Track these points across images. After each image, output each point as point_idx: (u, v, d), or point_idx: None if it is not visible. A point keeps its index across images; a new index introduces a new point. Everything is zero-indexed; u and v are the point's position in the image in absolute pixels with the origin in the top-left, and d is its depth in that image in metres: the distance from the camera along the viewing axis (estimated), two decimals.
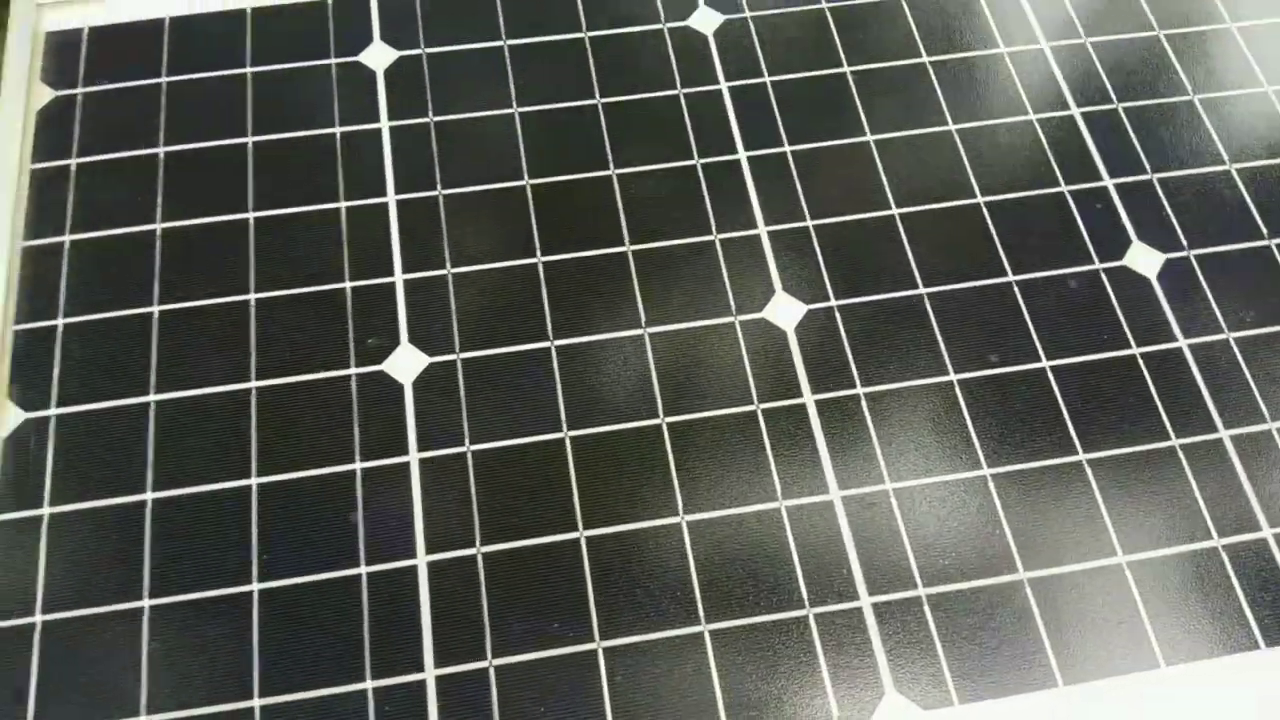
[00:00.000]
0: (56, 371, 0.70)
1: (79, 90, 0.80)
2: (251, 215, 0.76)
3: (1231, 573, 0.68)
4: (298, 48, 0.83)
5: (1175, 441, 0.72)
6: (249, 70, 0.81)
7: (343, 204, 0.77)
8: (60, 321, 0.72)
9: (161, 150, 0.78)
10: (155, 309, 0.72)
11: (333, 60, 0.82)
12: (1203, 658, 0.65)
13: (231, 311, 0.73)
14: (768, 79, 0.84)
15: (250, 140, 0.79)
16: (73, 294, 0.73)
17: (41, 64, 0.80)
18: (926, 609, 0.66)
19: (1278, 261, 0.78)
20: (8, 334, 0.71)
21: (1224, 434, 0.72)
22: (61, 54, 0.81)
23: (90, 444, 0.68)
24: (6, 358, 0.70)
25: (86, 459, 0.68)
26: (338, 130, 0.80)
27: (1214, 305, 0.76)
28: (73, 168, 0.77)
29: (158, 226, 0.75)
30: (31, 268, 0.73)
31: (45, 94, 0.79)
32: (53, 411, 0.69)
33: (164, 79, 0.81)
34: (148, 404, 0.69)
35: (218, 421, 0.69)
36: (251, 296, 0.73)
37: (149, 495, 0.67)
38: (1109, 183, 0.81)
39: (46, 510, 0.66)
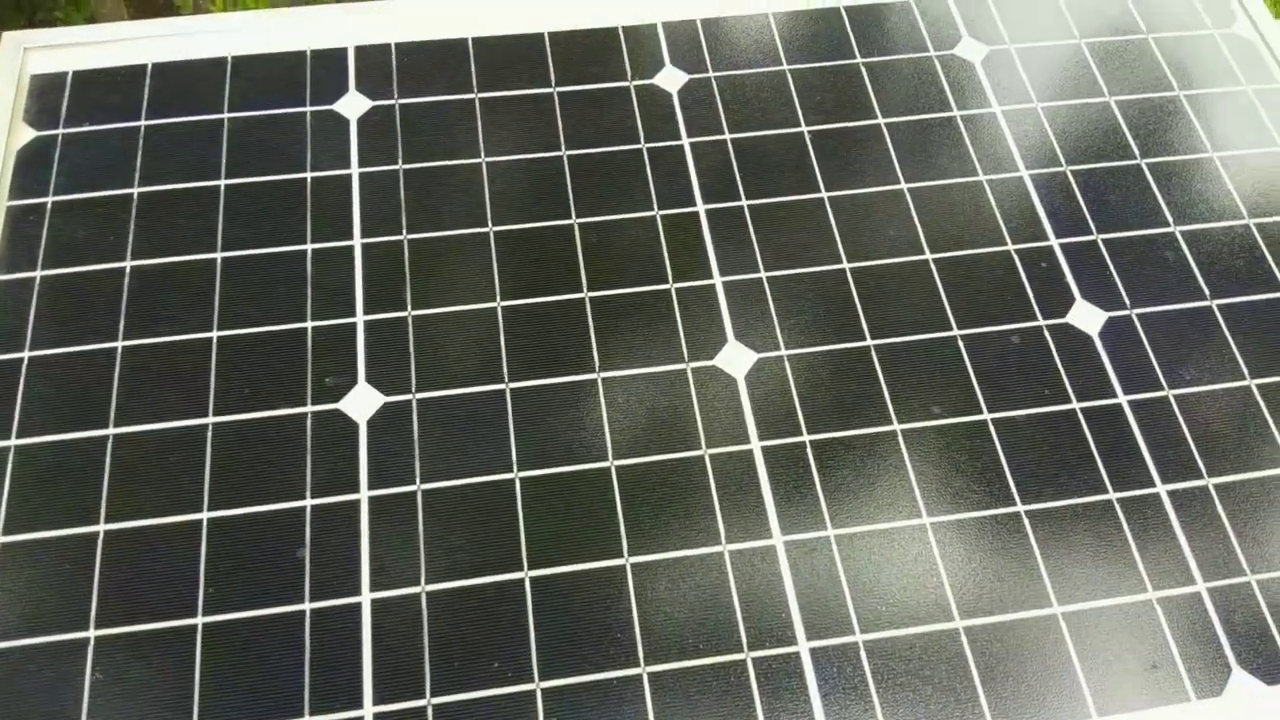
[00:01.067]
0: (19, 404, 0.72)
1: (59, 131, 0.83)
2: (220, 255, 0.78)
3: (1165, 625, 0.69)
4: (275, 95, 0.86)
5: (1113, 495, 0.73)
6: (225, 116, 0.84)
7: (309, 246, 0.79)
8: (25, 354, 0.74)
9: (135, 191, 0.80)
10: (119, 344, 0.74)
11: (308, 108, 0.85)
12: (1135, 709, 0.66)
13: (194, 349, 0.74)
14: (728, 136, 0.87)
15: (223, 183, 0.81)
16: (40, 328, 0.75)
17: (25, 105, 0.83)
18: (863, 655, 0.67)
19: (1218, 321, 0.80)
20: None
21: (1161, 489, 0.74)
22: (45, 96, 0.84)
23: (47, 476, 0.70)
24: None
25: (42, 491, 0.69)
26: (309, 175, 0.82)
27: (1154, 362, 0.78)
28: (48, 205, 0.79)
29: (127, 264, 0.77)
30: (1, 302, 0.75)
31: (26, 134, 0.82)
32: (12, 443, 0.71)
33: (143, 122, 0.83)
34: (106, 437, 0.71)
35: (173, 456, 0.70)
36: (214, 334, 0.75)
37: (101, 527, 0.68)
38: (1055, 242, 0.83)
39: (1, 539, 0.67)
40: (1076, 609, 0.69)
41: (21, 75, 0.84)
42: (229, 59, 0.87)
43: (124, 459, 0.70)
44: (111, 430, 0.71)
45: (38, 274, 0.77)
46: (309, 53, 0.88)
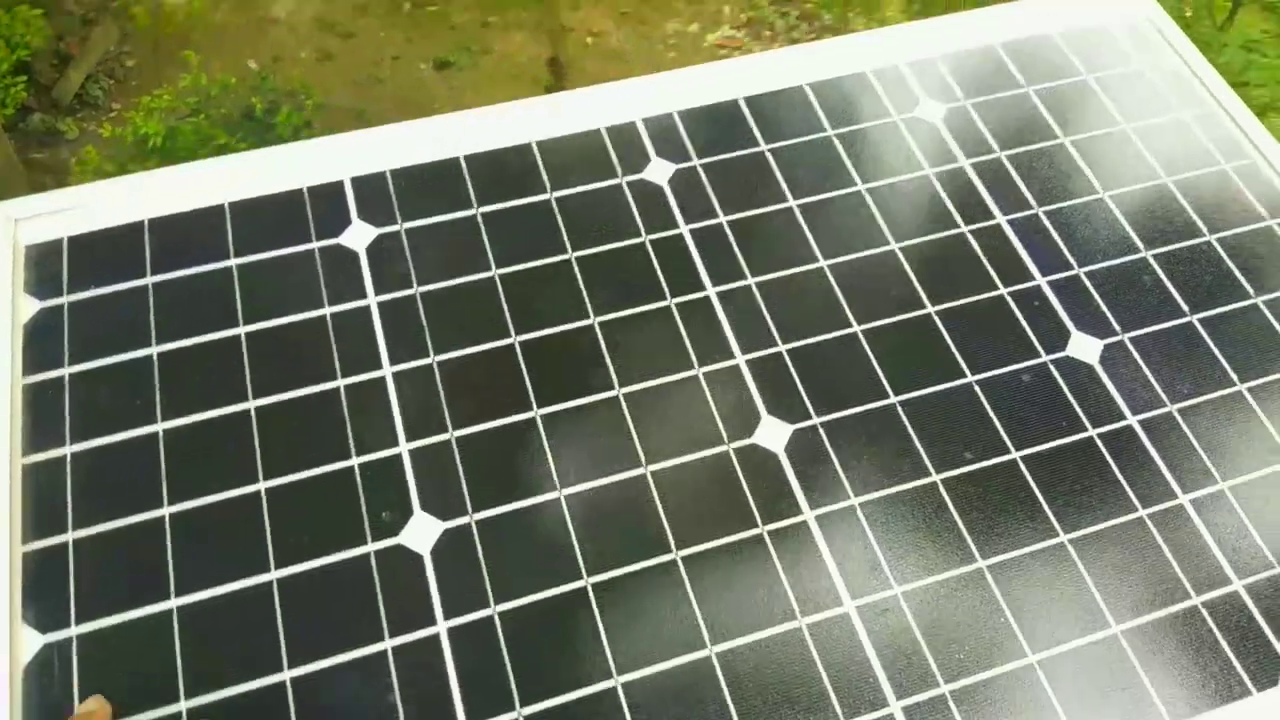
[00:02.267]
0: (72, 590, 0.70)
1: (64, 299, 0.81)
2: (252, 404, 0.78)
3: (1214, 626, 0.74)
4: (279, 235, 0.86)
5: (1142, 512, 0.78)
6: (233, 263, 0.84)
7: (340, 382, 0.80)
8: (70, 536, 0.72)
9: (155, 350, 0.80)
10: (165, 511, 0.73)
11: (314, 244, 0.86)
12: (1204, 710, 0.70)
13: (243, 503, 0.74)
14: (723, 218, 0.90)
15: (243, 330, 0.81)
16: (80, 506, 0.73)
17: (24, 277, 0.82)
18: (952, 705, 0.70)
19: (1200, 334, 0.86)
20: (16, 557, 0.71)
21: (1183, 499, 0.79)
22: (43, 265, 0.83)
23: (114, 661, 0.68)
24: (18, 582, 0.70)
25: (111, 677, 0.68)
26: (327, 311, 0.83)
27: (1153, 381, 0.84)
28: (66, 377, 0.78)
29: (159, 427, 0.76)
30: (34, 485, 0.74)
31: (31, 306, 0.81)
32: (73, 632, 0.69)
33: (149, 279, 0.83)
34: (170, 610, 0.70)
35: (244, 619, 0.70)
36: (261, 486, 0.75)
37: (182, 705, 0.67)
38: (1041, 281, 0.88)
39: None
40: (1133, 625, 0.73)
41: (16, 247, 0.83)
42: (225, 205, 0.87)
43: (194, 630, 0.69)
44: (174, 602, 0.70)
45: (68, 450, 0.75)
46: (305, 190, 0.89)
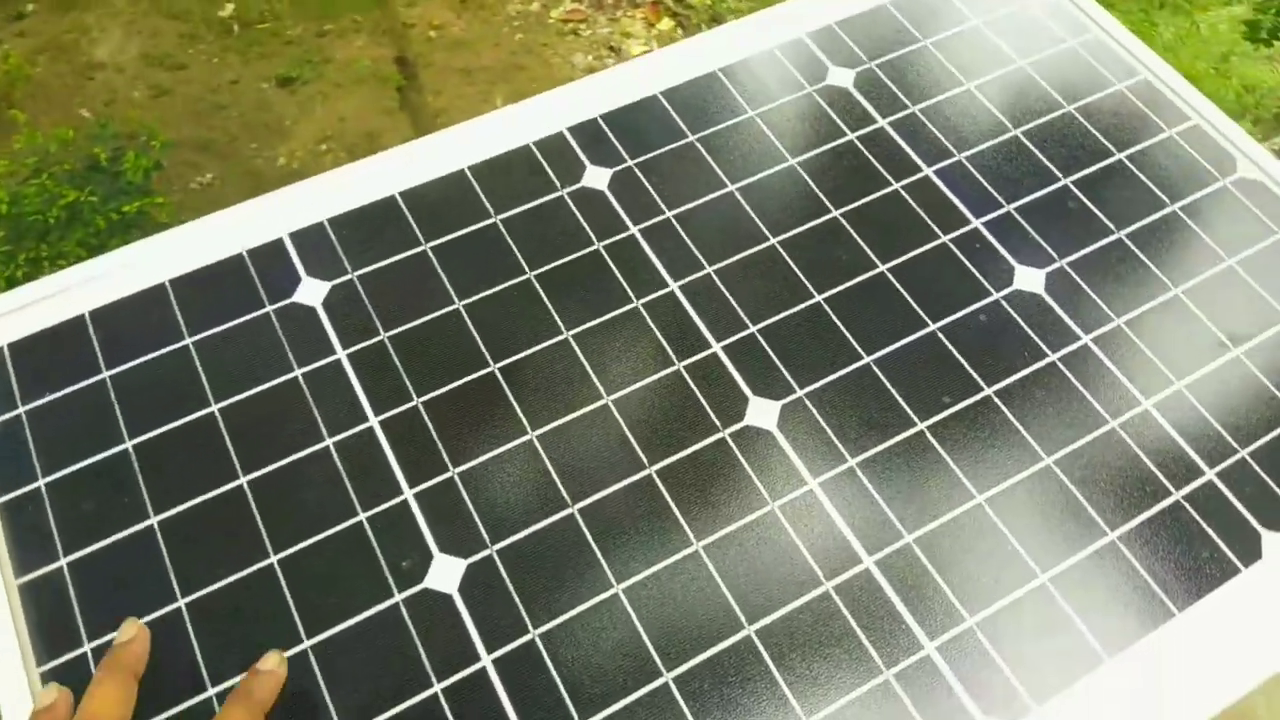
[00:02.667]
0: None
1: (20, 410, 0.78)
2: (244, 480, 0.76)
3: (1196, 516, 0.79)
4: (229, 305, 0.84)
5: (1113, 423, 0.83)
6: (189, 340, 0.82)
7: (329, 441, 0.78)
8: (88, 648, 0.69)
9: (129, 445, 0.77)
10: (181, 603, 0.71)
11: (269, 307, 0.84)
12: (1206, 594, 0.76)
13: (260, 581, 0.72)
14: (669, 213, 0.92)
15: (215, 408, 0.79)
16: (90, 616, 0.71)
17: None
18: (981, 636, 0.73)
19: (1131, 249, 0.92)
20: (35, 679, 0.68)
21: (1147, 404, 0.84)
22: None
23: None
24: (33, 704, 0.67)
25: None
26: (298, 373, 0.81)
27: (1097, 300, 0.89)
28: (42, 489, 0.75)
29: (153, 520, 0.74)
30: (34, 604, 0.71)
31: None
32: None
33: (106, 374, 0.80)
34: (209, 699, 0.68)
35: (285, 692, 0.68)
36: (273, 559, 0.73)
37: None
38: (977, 223, 0.93)
39: None
40: (1126, 529, 0.78)
41: None
42: (166, 284, 0.85)
43: None
44: (212, 691, 0.68)
45: (63, 562, 0.72)
46: (245, 254, 0.87)
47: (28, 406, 0.78)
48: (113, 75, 3.15)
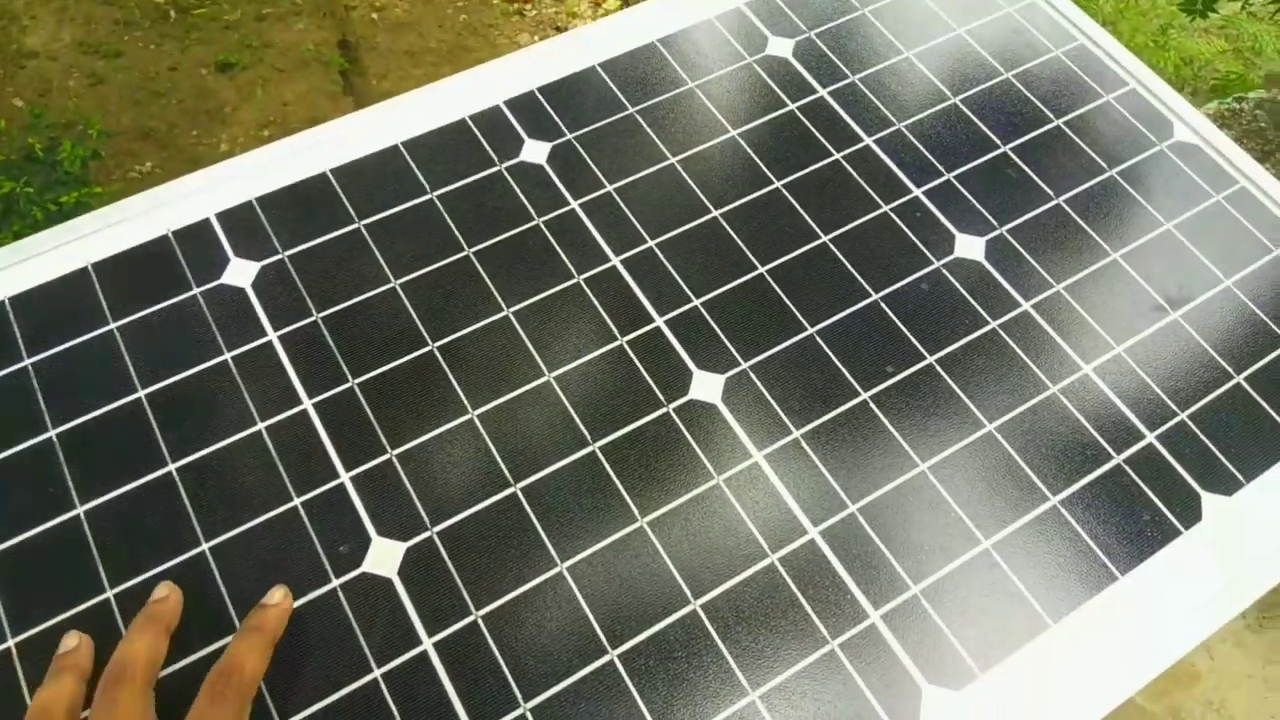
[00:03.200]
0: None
1: None
2: (173, 467, 0.74)
3: (1137, 479, 0.80)
4: (154, 288, 0.81)
5: (1054, 389, 0.83)
6: (114, 325, 0.79)
7: (261, 425, 0.76)
8: (11, 643, 0.67)
9: (53, 433, 0.74)
10: (110, 593, 0.69)
11: (196, 290, 0.82)
12: (1148, 556, 0.76)
13: (192, 569, 0.70)
14: (610, 187, 0.90)
15: (143, 394, 0.77)
16: (13, 610, 0.68)
17: None
18: (926, 605, 0.73)
19: (1069, 214, 0.92)
20: None
21: (1087, 369, 0.84)
22: None
23: None
24: None
25: None
26: (228, 356, 0.79)
27: (1037, 266, 0.89)
28: None
29: (79, 510, 0.72)
30: None
31: None
32: None
33: (27, 361, 0.77)
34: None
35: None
36: (205, 547, 0.71)
37: None
38: (918, 192, 0.93)
39: None
40: (1068, 493, 0.79)
41: None
42: (88, 267, 0.82)
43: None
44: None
45: None
46: (171, 235, 0.84)
47: None
48: (46, 64, 3.06)
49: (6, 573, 0.69)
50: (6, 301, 0.80)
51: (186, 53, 3.10)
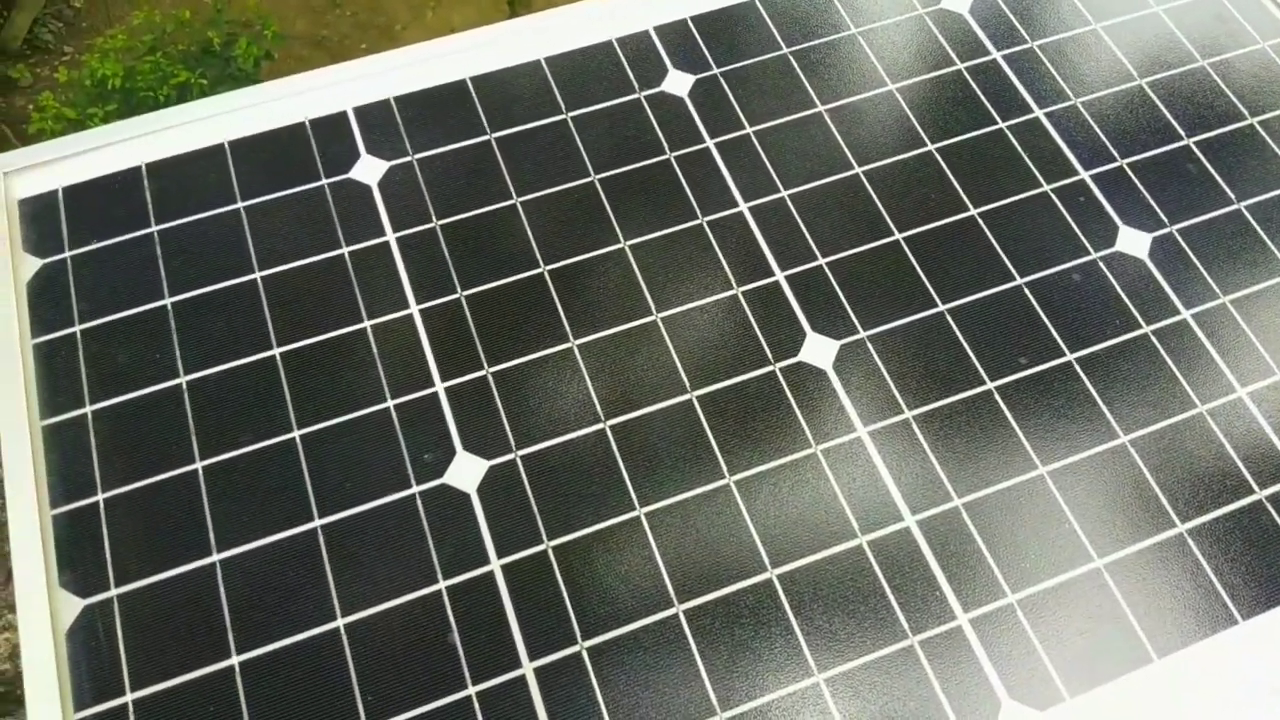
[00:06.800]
0: (109, 552, 0.68)
1: (67, 254, 0.77)
2: (277, 351, 0.75)
3: (1277, 518, 0.72)
4: (285, 174, 0.82)
5: (1202, 408, 0.76)
6: (241, 205, 0.80)
7: (367, 323, 0.76)
8: (100, 497, 0.69)
9: (168, 301, 0.76)
10: (199, 465, 0.70)
11: (324, 181, 0.82)
12: (1277, 605, 0.69)
13: (279, 454, 0.71)
14: (749, 129, 0.86)
15: (259, 275, 0.77)
16: (108, 467, 0.70)
17: (21, 233, 0.78)
18: (1020, 614, 0.68)
19: (1250, 222, 0.83)
20: (47, 522, 0.68)
21: (1241, 392, 0.76)
22: (40, 220, 0.78)
23: (158, 621, 0.66)
24: (50, 546, 0.68)
25: (158, 635, 0.65)
26: (345, 250, 0.79)
27: (1205, 273, 0.81)
28: (78, 335, 0.74)
29: (182, 380, 0.73)
30: (57, 447, 0.71)
31: (32, 264, 0.77)
32: (113, 593, 0.66)
33: (154, 228, 0.79)
34: (213, 565, 0.67)
35: (290, 570, 0.67)
36: (296, 434, 0.72)
37: (235, 659, 0.65)
38: (1085, 175, 0.85)
39: (130, 697, 0.63)
40: (1197, 523, 0.72)
41: (8, 202, 0.78)
42: (225, 145, 0.83)
43: (238, 586, 0.66)
44: (216, 557, 0.67)
45: (88, 409, 0.72)
46: (308, 123, 0.84)
47: (75, 252, 0.77)
48: None
49: (102, 430, 0.71)
50: (143, 167, 0.81)
51: None
